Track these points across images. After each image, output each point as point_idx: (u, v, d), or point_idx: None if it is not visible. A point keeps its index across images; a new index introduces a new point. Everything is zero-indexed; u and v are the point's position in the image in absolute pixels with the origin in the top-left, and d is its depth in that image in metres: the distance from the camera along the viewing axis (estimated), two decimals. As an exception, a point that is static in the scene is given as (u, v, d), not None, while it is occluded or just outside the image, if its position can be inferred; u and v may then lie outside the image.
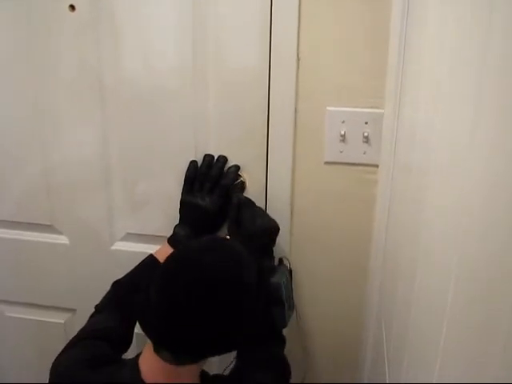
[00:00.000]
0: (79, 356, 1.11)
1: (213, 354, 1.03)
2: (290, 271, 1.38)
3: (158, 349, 0.99)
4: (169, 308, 0.96)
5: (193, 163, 1.40)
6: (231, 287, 0.97)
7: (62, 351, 1.15)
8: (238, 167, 1.39)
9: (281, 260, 1.39)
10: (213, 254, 1.00)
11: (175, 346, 0.98)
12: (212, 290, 0.96)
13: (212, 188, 1.38)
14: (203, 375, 1.11)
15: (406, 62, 1.09)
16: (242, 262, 1.02)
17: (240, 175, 1.39)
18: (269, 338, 1.29)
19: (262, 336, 1.27)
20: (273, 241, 1.34)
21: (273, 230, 1.33)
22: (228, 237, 1.35)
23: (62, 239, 1.59)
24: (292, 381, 1.27)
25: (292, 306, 1.34)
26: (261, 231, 1.31)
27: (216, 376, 1.18)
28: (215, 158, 1.40)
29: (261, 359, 1.22)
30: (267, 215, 1.35)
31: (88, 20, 1.36)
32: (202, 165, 1.40)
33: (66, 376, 1.08)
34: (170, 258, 1.03)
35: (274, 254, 1.37)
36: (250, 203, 1.35)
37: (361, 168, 1.34)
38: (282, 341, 1.33)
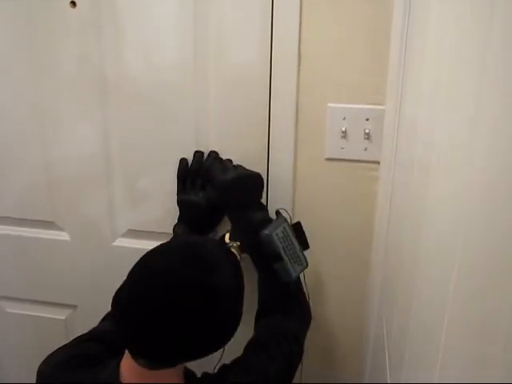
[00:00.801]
0: (67, 354, 1.11)
1: (189, 360, 1.01)
2: (295, 223, 1.33)
3: (133, 356, 0.97)
4: (136, 317, 0.94)
5: (182, 161, 1.40)
6: (199, 295, 0.94)
7: (54, 351, 1.15)
8: (230, 161, 1.37)
9: (277, 212, 1.30)
10: (178, 260, 0.97)
11: (148, 354, 0.96)
12: (177, 299, 0.92)
13: (204, 183, 1.38)
14: (188, 374, 1.09)
15: (407, 59, 1.10)
16: (214, 266, 0.98)
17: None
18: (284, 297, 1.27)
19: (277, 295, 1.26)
20: (256, 192, 1.31)
21: (252, 178, 1.29)
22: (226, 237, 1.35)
23: (64, 236, 1.60)
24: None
25: (299, 259, 1.28)
26: (234, 180, 1.27)
27: (206, 374, 1.13)
28: (206, 153, 1.40)
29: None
30: (244, 167, 1.32)
31: (89, 16, 1.36)
32: (192, 162, 1.40)
33: (45, 374, 1.09)
34: (135, 266, 1.00)
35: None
36: (220, 158, 1.35)
37: (362, 165, 1.34)
38: (301, 295, 1.30)
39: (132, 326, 0.94)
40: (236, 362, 1.15)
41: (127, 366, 1.01)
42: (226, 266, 1.01)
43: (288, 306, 1.28)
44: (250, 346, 1.18)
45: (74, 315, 1.68)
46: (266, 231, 1.23)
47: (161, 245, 1.04)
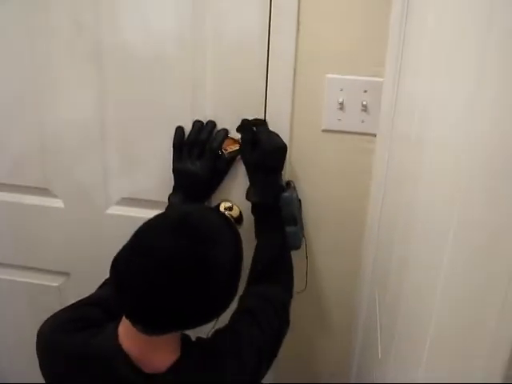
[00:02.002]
0: (67, 317, 1.13)
1: (185, 328, 1.03)
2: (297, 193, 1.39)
3: (131, 321, 0.98)
4: (134, 289, 0.94)
5: (179, 129, 1.39)
6: (196, 267, 0.94)
7: (58, 311, 1.16)
8: (226, 130, 1.38)
9: (288, 183, 1.39)
10: (175, 232, 0.97)
11: (145, 322, 0.97)
12: (174, 272, 0.93)
13: (201, 152, 1.37)
14: (183, 338, 1.10)
15: (408, 32, 1.08)
16: (211, 237, 0.98)
17: (237, 142, 1.37)
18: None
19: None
20: (284, 160, 1.34)
21: (285, 148, 1.33)
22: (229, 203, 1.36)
23: (57, 203, 1.59)
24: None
25: (302, 228, 1.37)
26: (277, 149, 1.32)
27: (200, 339, 1.16)
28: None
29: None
30: (279, 135, 1.34)
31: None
32: (191, 131, 1.38)
33: (45, 336, 1.11)
34: (132, 238, 0.99)
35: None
36: (265, 123, 1.35)
37: (358, 137, 1.33)
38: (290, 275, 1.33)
39: (130, 298, 0.95)
40: (228, 327, 1.16)
41: (124, 329, 1.03)
42: (224, 236, 1.01)
43: (279, 275, 1.31)
44: (241, 313, 1.20)
45: (67, 282, 1.68)
46: (290, 194, 1.32)
47: (158, 215, 1.04)
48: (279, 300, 1.25)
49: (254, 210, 1.34)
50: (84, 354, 1.05)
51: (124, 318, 1.03)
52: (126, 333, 1.02)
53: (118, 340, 1.03)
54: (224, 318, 1.11)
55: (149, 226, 1.00)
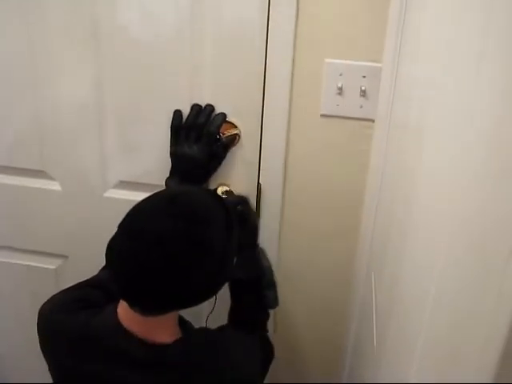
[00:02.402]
0: (69, 298, 1.14)
1: (181, 308, 1.05)
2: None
3: (128, 304, 1.00)
4: (128, 271, 0.96)
5: (177, 113, 1.39)
6: (189, 248, 0.95)
7: (56, 293, 1.18)
8: (224, 114, 1.37)
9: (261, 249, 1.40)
10: (168, 213, 0.97)
11: (140, 304, 0.99)
12: (167, 253, 0.94)
13: (199, 136, 1.36)
14: (183, 322, 1.12)
15: (408, 17, 1.08)
16: (205, 218, 0.99)
17: (235, 126, 1.38)
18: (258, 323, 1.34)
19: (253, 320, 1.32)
20: None
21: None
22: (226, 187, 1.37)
23: (55, 185, 1.59)
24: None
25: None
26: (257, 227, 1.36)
27: (200, 329, 1.19)
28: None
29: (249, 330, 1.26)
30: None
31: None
32: (189, 114, 1.38)
33: (46, 317, 1.12)
34: (125, 219, 1.00)
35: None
36: (248, 199, 1.33)
37: (356, 122, 1.33)
38: (266, 318, 1.37)
39: (125, 281, 0.97)
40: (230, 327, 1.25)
41: (123, 310, 1.04)
42: (216, 215, 1.02)
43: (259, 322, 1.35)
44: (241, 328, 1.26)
45: (65, 265, 1.68)
46: (267, 263, 1.34)
47: (147, 198, 1.04)
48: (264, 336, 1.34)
49: (236, 285, 1.32)
50: (85, 333, 1.06)
51: (122, 300, 1.04)
52: (125, 314, 1.04)
53: (118, 319, 1.05)
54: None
55: (138, 209, 1.01)
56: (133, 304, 0.99)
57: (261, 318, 1.35)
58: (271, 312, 1.36)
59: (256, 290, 1.32)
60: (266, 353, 1.29)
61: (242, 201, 1.31)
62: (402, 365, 0.76)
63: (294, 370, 1.67)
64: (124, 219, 1.00)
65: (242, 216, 1.26)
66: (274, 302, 1.35)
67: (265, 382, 1.26)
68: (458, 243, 0.54)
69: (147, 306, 0.99)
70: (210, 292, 1.04)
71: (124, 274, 0.96)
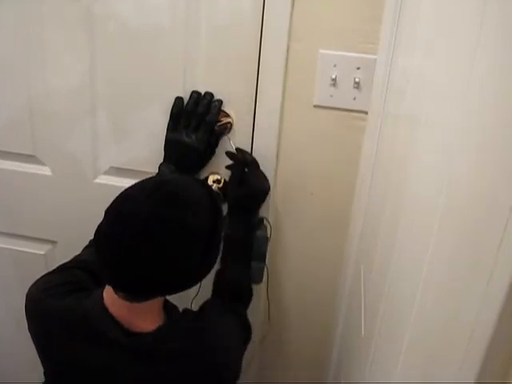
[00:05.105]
0: (55, 281, 1.15)
1: (165, 294, 1.07)
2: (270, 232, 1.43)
3: (113, 289, 1.01)
4: (114, 257, 0.96)
5: (179, 99, 1.38)
6: (174, 234, 0.96)
7: (41, 276, 1.18)
8: (220, 101, 1.37)
9: (261, 220, 1.42)
10: (153, 199, 0.97)
11: (125, 290, 1.00)
12: (152, 239, 0.94)
13: (198, 125, 1.36)
14: (168, 307, 1.13)
15: (404, 9, 1.07)
16: (190, 204, 1.00)
17: (228, 115, 1.37)
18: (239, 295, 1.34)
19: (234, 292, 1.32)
20: (263, 202, 1.38)
21: (268, 191, 1.36)
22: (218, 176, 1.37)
23: (45, 170, 1.58)
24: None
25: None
26: (261, 193, 1.35)
27: (184, 311, 1.20)
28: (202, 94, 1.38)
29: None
30: (266, 178, 1.37)
31: None
32: (188, 102, 1.38)
33: (35, 301, 1.13)
34: (112, 205, 1.01)
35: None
36: (257, 164, 1.36)
37: (350, 114, 1.33)
38: (250, 297, 1.38)
39: (110, 266, 0.98)
40: (215, 304, 1.24)
41: (108, 295, 1.05)
42: (202, 202, 1.03)
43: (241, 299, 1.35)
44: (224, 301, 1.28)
45: (54, 251, 1.68)
46: (264, 233, 1.38)
47: (134, 184, 1.04)
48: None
49: (223, 240, 1.32)
50: (74, 317, 1.07)
51: (107, 285, 1.05)
52: (110, 298, 1.04)
53: (104, 304, 1.05)
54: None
55: (125, 194, 1.02)
56: (118, 289, 1.00)
57: (244, 289, 1.35)
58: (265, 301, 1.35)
59: (243, 253, 1.34)
60: (246, 331, 1.27)
61: (250, 162, 1.34)
62: (389, 358, 0.76)
63: (281, 361, 1.67)
64: (111, 204, 1.00)
65: (243, 176, 1.33)
66: (258, 276, 1.36)
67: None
68: (447, 237, 0.54)
69: (132, 291, 1.00)
70: (194, 279, 1.05)
71: (110, 259, 0.97)
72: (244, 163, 1.34)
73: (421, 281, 0.61)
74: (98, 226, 1.00)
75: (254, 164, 1.35)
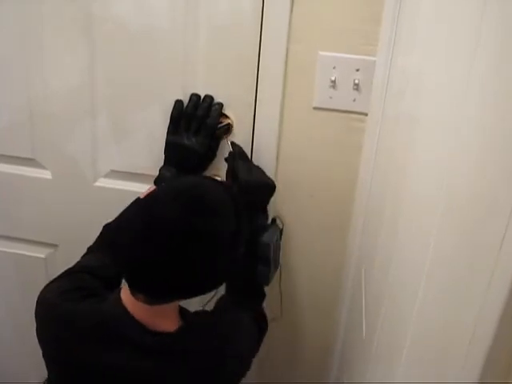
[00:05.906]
0: (64, 287, 1.14)
1: (185, 298, 1.06)
2: (281, 230, 1.41)
3: (132, 291, 1.01)
4: (138, 261, 0.96)
5: (178, 102, 1.38)
6: (199, 241, 0.96)
7: (50, 282, 1.18)
8: (221, 104, 1.37)
9: (274, 219, 1.40)
10: (179, 205, 0.97)
11: (147, 291, 1.00)
12: (178, 245, 0.94)
13: (198, 128, 1.36)
14: (183, 311, 1.13)
15: (403, 11, 1.07)
16: (215, 211, 1.00)
17: (227, 117, 1.37)
18: (250, 294, 1.34)
19: (245, 290, 1.32)
20: (267, 198, 1.35)
21: (268, 186, 1.33)
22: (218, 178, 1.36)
23: (45, 174, 1.58)
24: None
25: (277, 265, 1.39)
26: (256, 184, 1.31)
27: (196, 312, 1.21)
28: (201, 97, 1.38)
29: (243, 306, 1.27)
30: (264, 172, 1.35)
31: None
32: (188, 104, 1.37)
33: (50, 304, 1.11)
34: (131, 207, 1.01)
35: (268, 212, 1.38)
36: (246, 157, 1.35)
37: (349, 115, 1.33)
38: (262, 296, 1.37)
39: (134, 268, 0.98)
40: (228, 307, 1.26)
41: (127, 298, 1.05)
42: (228, 209, 1.02)
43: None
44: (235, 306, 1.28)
45: (55, 254, 1.68)
46: (267, 240, 1.31)
47: (164, 187, 1.06)
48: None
49: None
50: (89, 322, 1.06)
51: (124, 289, 1.05)
52: (130, 301, 1.04)
53: (124, 306, 1.05)
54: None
55: (157, 198, 1.02)
56: (140, 291, 1.00)
57: (256, 290, 1.35)
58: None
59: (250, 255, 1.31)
60: (261, 327, 1.28)
61: (239, 156, 1.32)
62: (391, 359, 0.76)
63: (284, 360, 1.67)
64: (138, 208, 1.01)
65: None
66: (263, 279, 1.33)
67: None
68: (447, 237, 0.54)
69: (155, 294, 1.00)
70: (216, 283, 1.05)
71: (137, 261, 0.97)
72: (233, 157, 1.32)
73: (422, 280, 0.61)
74: (115, 229, 1.01)
75: (241, 157, 1.33)
